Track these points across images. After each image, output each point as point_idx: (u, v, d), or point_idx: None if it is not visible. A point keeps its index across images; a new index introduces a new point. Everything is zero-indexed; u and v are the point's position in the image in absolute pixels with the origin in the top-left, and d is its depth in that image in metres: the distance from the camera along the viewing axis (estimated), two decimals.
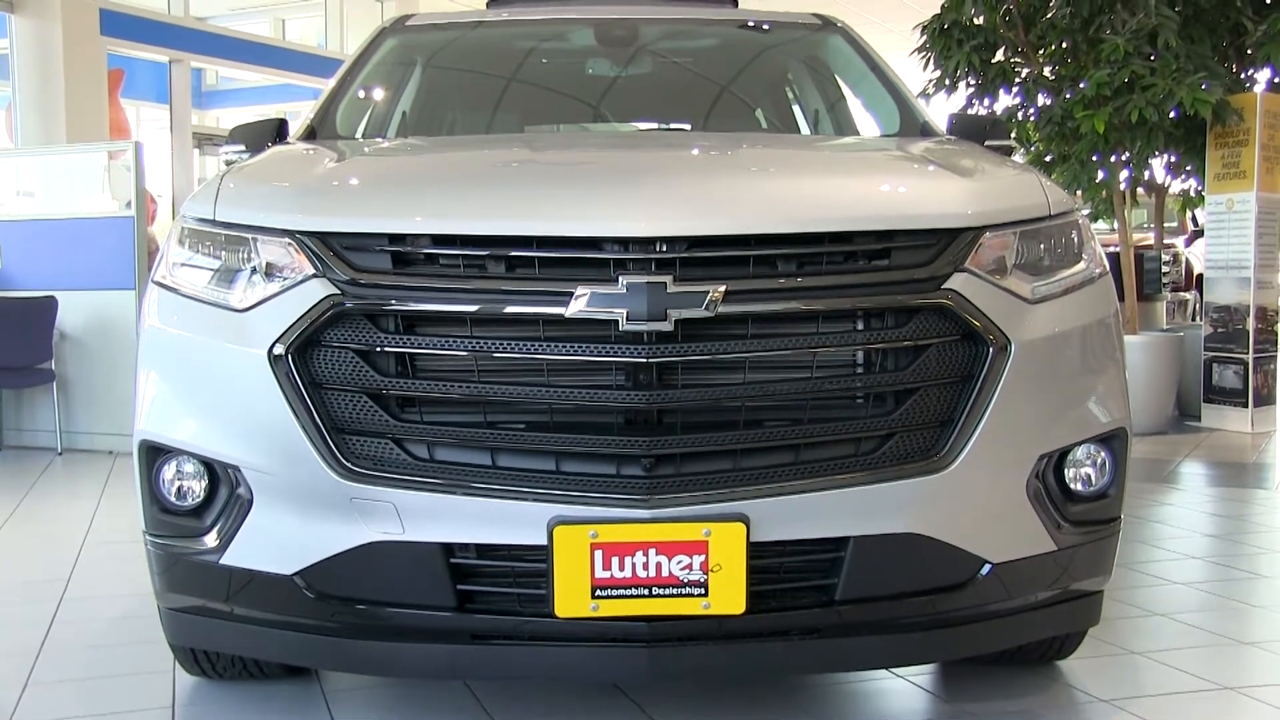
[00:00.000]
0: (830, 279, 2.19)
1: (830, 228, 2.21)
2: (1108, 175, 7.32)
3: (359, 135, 3.58)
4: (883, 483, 2.16)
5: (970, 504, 2.23)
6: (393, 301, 2.16)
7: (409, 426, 2.17)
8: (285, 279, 2.23)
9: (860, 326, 2.22)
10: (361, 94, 3.67)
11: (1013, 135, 5.60)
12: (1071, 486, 2.38)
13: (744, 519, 2.09)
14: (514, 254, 2.17)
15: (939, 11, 7.66)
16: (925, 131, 3.30)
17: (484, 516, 2.13)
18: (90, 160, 7.13)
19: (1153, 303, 8.27)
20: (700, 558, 2.08)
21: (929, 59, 7.72)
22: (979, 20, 7.57)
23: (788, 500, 2.13)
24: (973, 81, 7.65)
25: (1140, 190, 8.25)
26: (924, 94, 7.69)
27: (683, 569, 2.09)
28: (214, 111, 17.88)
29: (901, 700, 2.78)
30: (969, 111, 7.57)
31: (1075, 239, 2.46)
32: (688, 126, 3.94)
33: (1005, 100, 7.68)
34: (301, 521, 2.20)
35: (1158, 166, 7.95)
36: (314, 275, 2.20)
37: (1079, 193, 7.33)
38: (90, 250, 6.89)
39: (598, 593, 2.09)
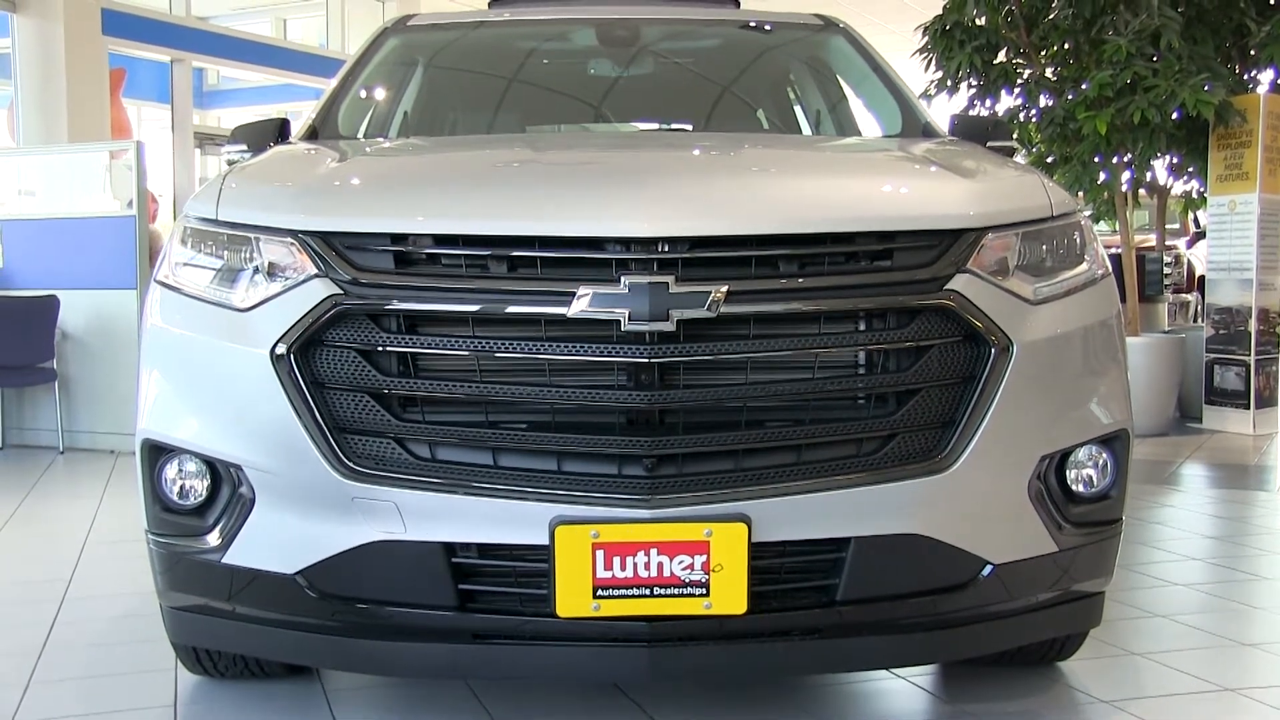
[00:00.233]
0: (832, 280, 2.19)
1: (832, 228, 2.21)
2: (1109, 176, 7.32)
3: (361, 135, 3.58)
4: (884, 483, 2.16)
5: (972, 505, 2.23)
6: (395, 301, 2.16)
7: (411, 426, 2.17)
8: (287, 278, 2.23)
9: (862, 327, 2.22)
10: (363, 94, 3.68)
11: (1014, 136, 5.59)
12: (1073, 488, 2.38)
13: (745, 519, 2.09)
14: (516, 254, 2.17)
15: (941, 12, 7.66)
16: (927, 132, 3.31)
17: (486, 516, 2.13)
18: (92, 160, 7.14)
19: (1154, 304, 8.27)
20: (702, 558, 2.08)
21: (931, 60, 7.72)
22: (981, 21, 7.57)
23: (789, 501, 2.13)
24: (974, 82, 7.65)
25: (1142, 191, 8.24)
26: (926, 95, 7.69)
27: (684, 569, 2.09)
28: (215, 111, 17.88)
29: (902, 701, 2.78)
30: (971, 112, 7.58)
31: (1077, 240, 2.46)
32: (689, 127, 3.94)
33: (1007, 101, 7.68)
34: (303, 521, 2.20)
35: (1160, 168, 7.95)
36: (316, 275, 2.20)
37: (1081, 194, 7.32)
38: (92, 250, 6.90)
39: (599, 593, 2.09)
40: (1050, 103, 7.42)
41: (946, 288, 2.21)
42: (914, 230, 2.25)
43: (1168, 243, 9.60)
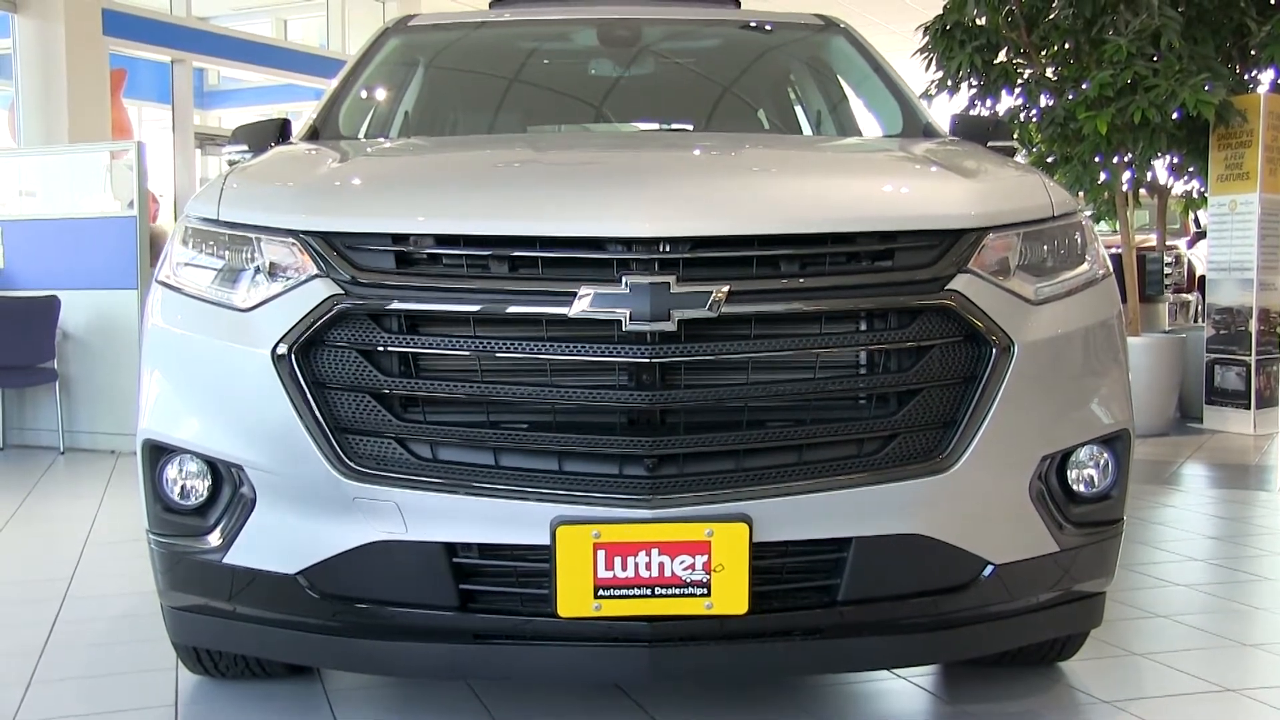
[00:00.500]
0: (833, 280, 2.19)
1: (833, 228, 2.21)
2: (1110, 176, 7.32)
3: (362, 135, 3.59)
4: (885, 483, 2.16)
5: (973, 505, 2.23)
6: (396, 301, 2.16)
7: (412, 426, 2.17)
8: (289, 279, 2.23)
9: (863, 327, 2.22)
10: (364, 94, 3.68)
11: (1015, 136, 5.59)
12: (1074, 488, 2.38)
13: (747, 519, 2.09)
14: (517, 254, 2.17)
15: (941, 12, 7.66)
16: (928, 132, 3.31)
17: (487, 516, 2.13)
18: (92, 160, 7.13)
19: (1155, 304, 8.28)
20: (703, 558, 2.08)
21: (931, 60, 7.72)
22: (981, 21, 7.56)
23: (790, 501, 2.13)
24: (975, 82, 7.65)
25: (1142, 191, 8.24)
26: (926, 95, 7.69)
27: (685, 569, 2.09)
28: (216, 111, 17.88)
29: (903, 701, 2.78)
30: (971, 112, 7.58)
31: (1078, 240, 2.46)
32: (690, 127, 3.94)
33: (1007, 101, 7.68)
34: (304, 521, 2.20)
35: (1160, 168, 7.94)
36: (317, 275, 2.20)
37: (1081, 194, 7.32)
38: (93, 250, 6.90)
39: (600, 593, 2.09)
40: (1050, 103, 7.42)
41: (948, 288, 2.21)
42: (915, 230, 2.25)
43: (1168, 243, 9.59)
